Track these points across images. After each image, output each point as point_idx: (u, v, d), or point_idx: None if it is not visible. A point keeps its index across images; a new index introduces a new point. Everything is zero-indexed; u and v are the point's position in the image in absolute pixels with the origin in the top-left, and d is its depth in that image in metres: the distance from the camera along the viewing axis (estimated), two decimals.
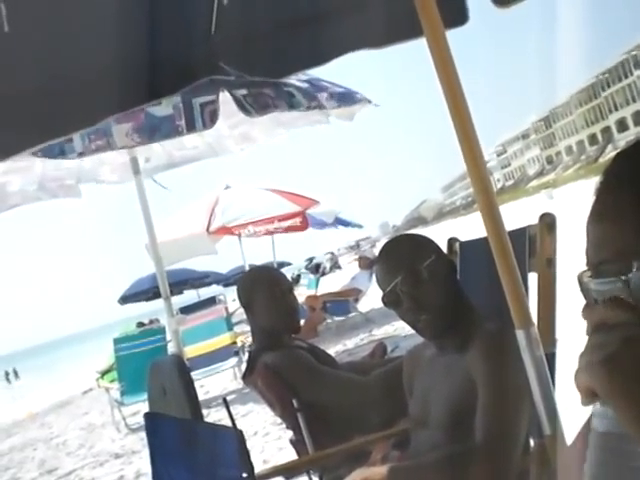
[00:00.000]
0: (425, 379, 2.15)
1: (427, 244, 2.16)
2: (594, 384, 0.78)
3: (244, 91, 2.98)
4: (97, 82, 2.19)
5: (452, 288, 2.10)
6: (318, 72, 3.45)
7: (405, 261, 2.07)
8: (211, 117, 3.36)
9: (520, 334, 1.89)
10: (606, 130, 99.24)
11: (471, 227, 3.52)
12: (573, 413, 1.74)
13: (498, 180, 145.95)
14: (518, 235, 2.17)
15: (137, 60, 2.17)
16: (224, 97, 3.29)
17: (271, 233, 10.84)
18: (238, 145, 4.56)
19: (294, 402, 2.95)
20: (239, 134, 4.47)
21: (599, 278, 0.86)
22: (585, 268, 0.89)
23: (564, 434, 1.85)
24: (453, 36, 2.08)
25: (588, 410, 1.04)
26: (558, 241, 2.15)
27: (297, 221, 10.35)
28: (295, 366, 3.00)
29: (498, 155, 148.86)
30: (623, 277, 0.81)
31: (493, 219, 1.96)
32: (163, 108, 3.31)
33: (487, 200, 1.98)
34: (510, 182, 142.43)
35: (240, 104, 3.01)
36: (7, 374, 50.02)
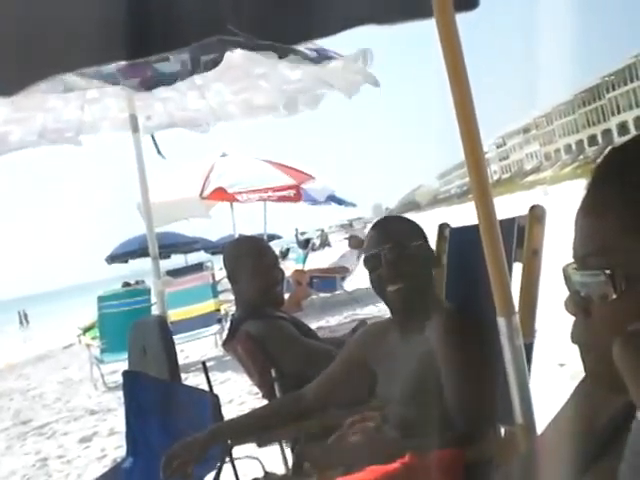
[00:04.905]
0: (391, 362, 2.30)
1: (418, 229, 2.35)
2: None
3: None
4: (102, 30, 2.18)
5: (428, 273, 2.31)
6: (325, 44, 3.44)
7: (398, 234, 2.27)
8: (212, 66, 3.31)
9: (501, 321, 1.91)
10: (607, 132, 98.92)
11: (464, 216, 3.53)
12: (545, 404, 1.76)
13: (495, 172, 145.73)
14: (507, 225, 2.17)
15: (146, 13, 2.15)
16: (231, 62, 3.25)
17: (264, 200, 10.74)
18: (240, 112, 4.53)
19: (272, 372, 2.97)
20: (242, 100, 4.44)
21: (584, 271, 0.87)
22: (571, 261, 0.90)
23: (535, 424, 1.87)
24: (462, 20, 2.07)
25: (560, 402, 1.06)
26: (548, 236, 2.16)
27: (291, 193, 10.28)
28: (276, 336, 3.01)
29: (497, 147, 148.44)
30: (607, 271, 0.83)
31: (485, 207, 1.97)
32: (171, 64, 3.30)
33: (481, 188, 1.98)
34: (507, 175, 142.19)
35: (256, 50, 2.99)
36: (20, 318, 51.12)
